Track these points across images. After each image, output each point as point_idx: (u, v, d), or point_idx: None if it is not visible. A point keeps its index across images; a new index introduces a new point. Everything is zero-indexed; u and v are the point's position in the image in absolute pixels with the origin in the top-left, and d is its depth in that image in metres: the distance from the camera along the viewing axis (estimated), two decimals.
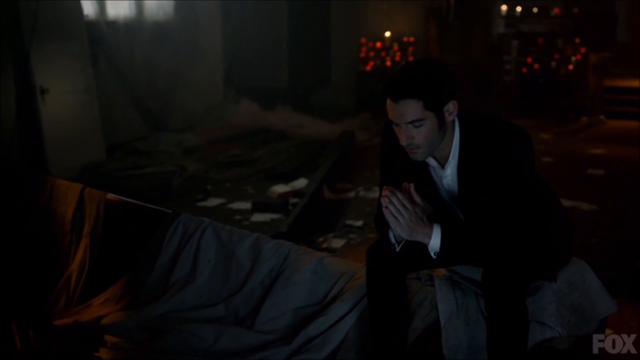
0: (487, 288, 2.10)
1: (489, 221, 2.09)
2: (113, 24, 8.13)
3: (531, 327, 2.18)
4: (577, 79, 10.90)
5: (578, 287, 2.35)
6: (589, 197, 6.11)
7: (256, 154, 8.10)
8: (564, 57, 11.03)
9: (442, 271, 2.49)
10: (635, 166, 7.43)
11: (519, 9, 12.31)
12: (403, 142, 2.07)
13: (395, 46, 11.75)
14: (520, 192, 2.06)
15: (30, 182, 3.93)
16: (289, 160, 7.74)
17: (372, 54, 11.79)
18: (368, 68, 11.78)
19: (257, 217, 5.76)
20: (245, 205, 6.14)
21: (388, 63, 11.70)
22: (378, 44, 11.76)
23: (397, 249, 2.19)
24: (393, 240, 2.18)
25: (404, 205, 2.05)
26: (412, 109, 2.01)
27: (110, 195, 3.59)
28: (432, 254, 2.10)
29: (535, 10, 12.17)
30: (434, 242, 2.08)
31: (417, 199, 2.08)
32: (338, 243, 5.11)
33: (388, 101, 2.05)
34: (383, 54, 11.77)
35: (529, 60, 11.22)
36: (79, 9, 7.21)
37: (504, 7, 12.78)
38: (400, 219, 2.05)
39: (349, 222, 5.60)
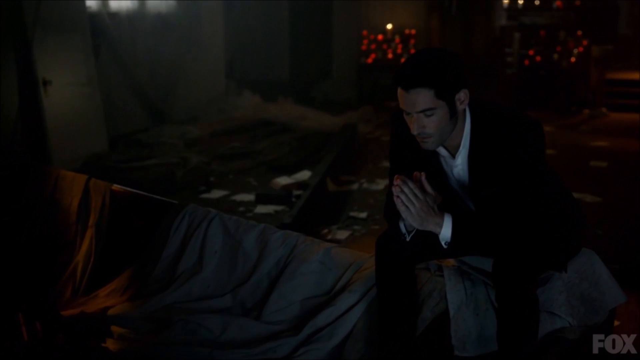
0: (498, 278, 2.09)
1: (500, 211, 2.08)
2: (115, 16, 8.12)
3: (541, 318, 2.18)
4: (579, 72, 10.88)
5: (588, 277, 2.35)
6: (592, 190, 6.11)
7: (258, 146, 8.10)
8: (566, 49, 10.99)
9: (451, 261, 2.48)
10: (637, 158, 7.44)
11: (520, 1, 12.24)
12: (414, 131, 2.06)
13: (397, 38, 11.74)
14: (531, 182, 2.05)
15: (35, 173, 3.91)
16: (291, 153, 7.73)
17: (373, 46, 11.80)
18: (369, 60, 11.79)
19: (261, 209, 5.75)
20: (249, 197, 6.14)
21: (390, 55, 11.70)
22: (380, 37, 11.76)
23: (408, 239, 2.18)
24: (404, 230, 2.17)
25: (415, 195, 2.04)
26: (423, 97, 2.00)
27: (116, 186, 3.57)
28: (443, 243, 2.09)
29: (537, 2, 12.10)
30: (445, 231, 2.07)
31: (428, 188, 2.07)
32: (342, 235, 5.10)
33: (399, 90, 2.04)
34: (385, 46, 11.77)
35: (531, 52, 11.18)
36: (82, 0, 7.19)
37: (505, 0, 12.73)
38: (412, 208, 2.04)
39: (352, 213, 5.60)
